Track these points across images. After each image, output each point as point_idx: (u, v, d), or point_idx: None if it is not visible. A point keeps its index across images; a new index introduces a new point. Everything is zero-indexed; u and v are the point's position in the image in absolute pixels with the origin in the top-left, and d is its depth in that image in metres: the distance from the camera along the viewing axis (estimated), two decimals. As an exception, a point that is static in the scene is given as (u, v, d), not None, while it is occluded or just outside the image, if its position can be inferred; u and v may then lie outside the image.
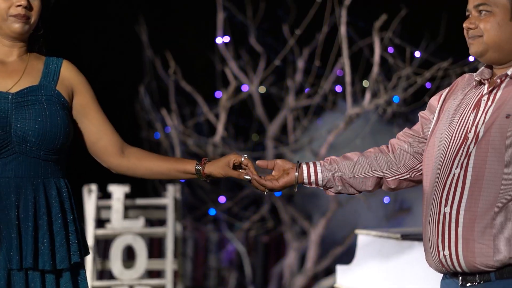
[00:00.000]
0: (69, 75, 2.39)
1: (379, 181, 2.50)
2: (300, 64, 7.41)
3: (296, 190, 2.52)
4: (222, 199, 7.75)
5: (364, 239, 4.08)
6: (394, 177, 2.49)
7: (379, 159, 2.50)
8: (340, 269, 4.19)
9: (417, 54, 6.93)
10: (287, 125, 6.90)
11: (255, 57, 7.82)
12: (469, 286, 2.24)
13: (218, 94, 7.95)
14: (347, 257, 5.13)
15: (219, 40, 7.55)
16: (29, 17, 2.28)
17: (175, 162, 2.51)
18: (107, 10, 9.96)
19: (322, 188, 2.51)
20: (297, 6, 7.80)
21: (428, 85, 6.69)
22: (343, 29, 5.91)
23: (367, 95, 6.08)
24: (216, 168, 2.43)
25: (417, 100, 6.73)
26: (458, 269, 2.23)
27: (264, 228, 9.01)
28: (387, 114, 6.18)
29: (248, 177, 2.42)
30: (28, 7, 2.28)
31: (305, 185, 2.50)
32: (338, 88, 7.30)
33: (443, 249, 2.22)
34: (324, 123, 7.07)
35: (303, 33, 7.06)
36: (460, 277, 2.26)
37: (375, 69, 6.06)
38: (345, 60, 5.92)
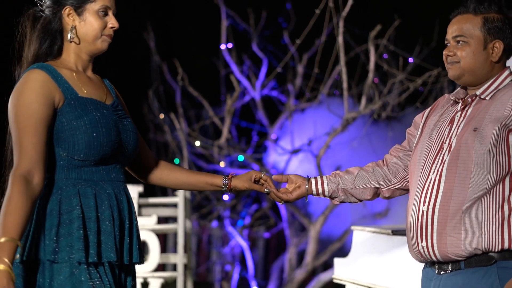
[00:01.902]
0: (117, 92, 2.50)
1: (376, 191, 2.82)
2: (300, 69, 7.56)
3: (307, 200, 2.85)
4: (226, 197, 7.83)
5: (359, 234, 4.21)
6: (388, 187, 2.80)
7: (376, 172, 2.81)
8: (337, 262, 4.30)
9: (411, 60, 7.17)
10: (288, 127, 7.07)
11: (257, 62, 8.01)
12: (443, 273, 2.52)
13: (222, 97, 8.09)
14: (345, 252, 5.30)
15: (223, 47, 7.77)
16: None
17: (204, 176, 2.68)
18: (117, 18, 10.06)
19: (328, 198, 2.82)
20: (297, 14, 7.97)
21: (421, 88, 6.91)
22: (340, 39, 6.08)
23: (363, 100, 6.26)
24: (240, 182, 2.68)
25: (410, 104, 6.94)
26: (434, 258, 2.52)
27: (266, 224, 9.19)
28: (381, 117, 6.35)
29: (267, 190, 2.72)
30: None
31: (314, 196, 2.81)
32: (336, 92, 7.46)
33: (421, 241, 2.52)
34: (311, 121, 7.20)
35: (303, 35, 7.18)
36: (436, 266, 2.54)
37: (370, 75, 6.27)
38: (343, 68, 6.10)
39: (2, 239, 2.08)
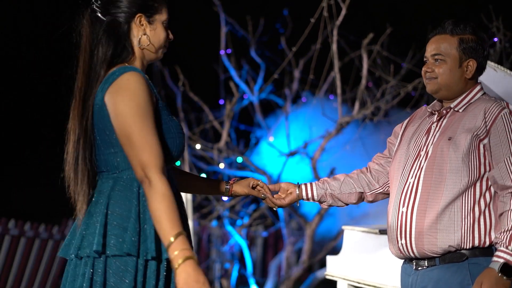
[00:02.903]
0: None
1: (361, 196, 3.04)
2: (296, 74, 7.62)
3: (298, 205, 3.07)
4: (225, 198, 7.66)
5: (349, 233, 4.36)
6: (372, 192, 3.02)
7: (360, 178, 3.02)
8: (329, 259, 4.44)
9: (403, 65, 7.31)
10: (286, 130, 7.13)
11: (255, 67, 8.05)
12: (420, 269, 2.73)
13: (221, 101, 8.15)
14: (339, 250, 5.45)
15: (222, 52, 7.77)
16: None
17: (212, 182, 2.93)
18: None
19: (317, 202, 3.05)
20: (293, 20, 8.05)
21: (413, 93, 7.04)
22: (334, 47, 6.23)
23: (356, 105, 6.40)
24: (240, 188, 2.92)
25: (403, 107, 7.04)
26: (412, 255, 2.72)
27: (264, 224, 9.30)
28: (374, 121, 6.49)
29: (263, 196, 2.96)
30: None
31: (305, 201, 3.03)
32: (330, 96, 7.52)
33: (401, 239, 2.73)
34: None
35: (298, 43, 7.21)
36: (414, 262, 2.75)
37: (363, 81, 6.40)
38: (336, 74, 6.26)
39: (181, 235, 2.13)
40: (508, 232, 2.54)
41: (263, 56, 8.06)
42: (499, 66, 3.87)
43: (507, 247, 2.52)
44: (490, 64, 3.83)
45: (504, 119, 2.67)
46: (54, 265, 8.36)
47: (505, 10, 8.14)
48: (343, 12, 6.19)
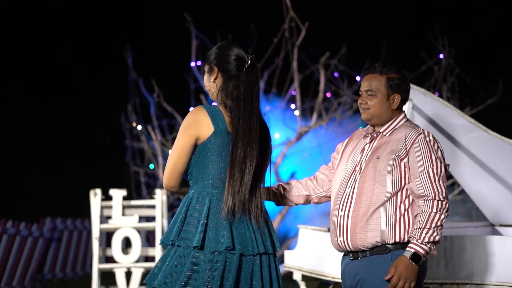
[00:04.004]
0: None
1: (307, 198, 3.57)
2: (261, 85, 8.16)
3: None
4: None
5: (303, 231, 4.82)
6: (316, 195, 3.57)
7: (308, 184, 3.56)
8: (287, 253, 4.98)
9: (358, 78, 7.94)
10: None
11: None
12: (355, 260, 3.30)
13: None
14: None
15: (192, 64, 8.26)
16: None
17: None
18: (98, 39, 10.38)
19: (273, 201, 3.57)
20: (259, 35, 8.47)
21: None
22: (294, 64, 6.87)
23: (314, 116, 7.03)
24: None
25: (357, 118, 7.66)
26: (348, 249, 3.29)
27: None
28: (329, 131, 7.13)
29: None
30: None
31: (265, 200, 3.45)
32: (292, 106, 8.11)
33: (340, 236, 3.30)
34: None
35: (262, 57, 7.69)
36: (350, 254, 3.32)
37: (320, 95, 7.06)
38: (297, 89, 6.92)
39: None
40: (419, 229, 3.18)
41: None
42: (427, 92, 4.61)
43: (417, 241, 3.17)
44: (421, 90, 4.57)
45: (420, 143, 3.27)
46: (32, 261, 8.88)
47: (450, 30, 8.90)
48: (303, 33, 6.81)
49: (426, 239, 3.18)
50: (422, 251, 3.17)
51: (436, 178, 3.24)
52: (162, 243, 3.06)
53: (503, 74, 8.55)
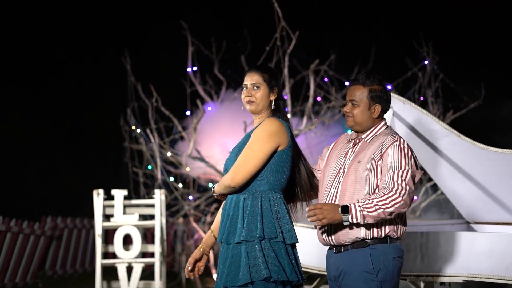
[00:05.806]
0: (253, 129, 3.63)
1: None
2: None
3: None
4: (191, 197, 8.36)
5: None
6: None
7: None
8: None
9: (347, 83, 8.24)
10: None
11: (218, 83, 8.68)
12: (337, 253, 3.60)
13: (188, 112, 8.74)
14: None
15: (189, 69, 8.46)
16: None
17: None
18: (99, 45, 10.59)
19: None
20: (252, 40, 8.68)
21: None
22: (286, 71, 7.17)
23: (304, 120, 7.31)
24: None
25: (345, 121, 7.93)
26: (332, 243, 3.60)
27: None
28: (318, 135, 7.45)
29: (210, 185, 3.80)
30: None
31: None
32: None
33: (324, 232, 3.60)
34: None
35: (256, 62, 7.89)
36: (334, 248, 3.63)
37: (310, 100, 7.37)
38: (288, 94, 7.23)
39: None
40: (368, 199, 3.45)
41: (225, 74, 8.64)
42: (406, 100, 4.96)
43: (358, 203, 3.45)
44: (400, 98, 4.92)
45: (393, 148, 3.59)
46: (34, 258, 9.14)
47: (434, 37, 9.23)
48: (293, 42, 7.16)
49: (365, 207, 3.43)
50: (353, 210, 3.43)
51: (400, 180, 3.46)
52: (260, 237, 3.47)
53: (485, 79, 8.84)
